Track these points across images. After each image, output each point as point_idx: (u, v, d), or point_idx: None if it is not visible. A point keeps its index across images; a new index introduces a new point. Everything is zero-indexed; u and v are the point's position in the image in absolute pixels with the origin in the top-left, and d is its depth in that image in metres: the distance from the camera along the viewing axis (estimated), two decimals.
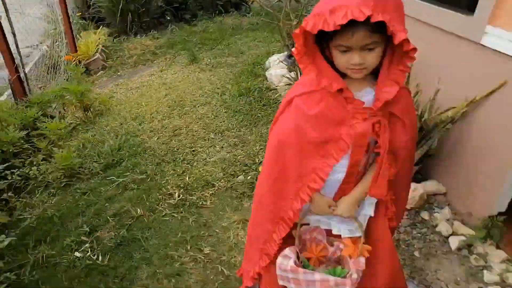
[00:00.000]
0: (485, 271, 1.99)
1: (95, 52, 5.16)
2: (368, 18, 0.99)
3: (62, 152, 2.72)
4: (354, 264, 1.40)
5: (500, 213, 2.12)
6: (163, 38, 5.67)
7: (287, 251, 1.43)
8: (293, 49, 1.28)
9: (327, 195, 1.38)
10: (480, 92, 2.05)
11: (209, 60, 4.65)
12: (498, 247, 2.09)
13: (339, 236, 1.46)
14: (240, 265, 1.85)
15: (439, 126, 2.23)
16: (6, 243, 1.89)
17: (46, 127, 2.92)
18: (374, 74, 1.20)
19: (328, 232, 1.51)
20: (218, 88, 3.85)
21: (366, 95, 1.21)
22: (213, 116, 3.37)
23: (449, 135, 2.32)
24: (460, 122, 2.23)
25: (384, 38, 1.11)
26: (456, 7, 2.17)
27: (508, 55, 1.87)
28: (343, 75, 1.19)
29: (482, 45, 1.99)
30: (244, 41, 5.22)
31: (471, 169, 2.22)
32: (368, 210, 1.42)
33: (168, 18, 6.36)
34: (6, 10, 3.41)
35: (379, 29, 1.06)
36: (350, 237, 1.45)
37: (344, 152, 1.24)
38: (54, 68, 4.49)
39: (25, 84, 3.55)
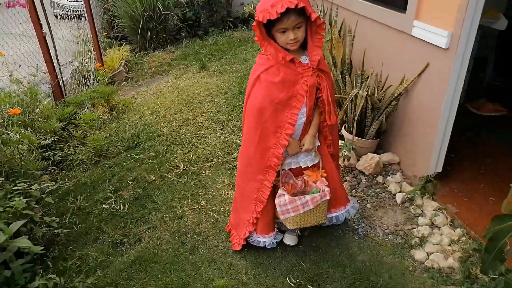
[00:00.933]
0: (420, 217, 2.51)
1: (119, 66, 5.93)
2: (295, 5, 1.64)
3: (93, 136, 3.40)
4: (320, 183, 2.04)
5: (438, 174, 2.66)
6: (178, 52, 6.41)
7: (280, 191, 2.05)
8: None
9: (295, 137, 2.01)
10: (413, 73, 2.62)
11: (216, 67, 5.34)
12: (433, 200, 2.61)
13: (306, 168, 2.11)
14: (228, 218, 2.46)
15: (385, 104, 2.79)
16: (55, 186, 2.56)
17: (80, 118, 3.61)
18: (301, 46, 1.85)
19: (296, 170, 2.12)
20: (222, 89, 4.51)
21: (304, 60, 1.86)
22: (216, 111, 4.01)
23: (396, 113, 2.88)
24: (402, 99, 2.80)
25: (304, 19, 1.74)
26: (394, 6, 2.78)
27: (429, 42, 2.44)
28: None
29: (412, 35, 2.58)
30: (249, 51, 5.90)
31: (413, 140, 2.77)
32: (317, 142, 2.06)
33: (183, 34, 7.11)
34: (50, 30, 4.20)
35: (301, 13, 1.71)
36: (310, 167, 2.07)
37: (301, 102, 1.89)
38: (84, 80, 5.25)
39: (62, 88, 4.30)
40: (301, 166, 2.13)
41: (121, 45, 6.62)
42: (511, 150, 3.04)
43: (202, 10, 7.37)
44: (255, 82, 1.91)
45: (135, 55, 6.55)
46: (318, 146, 2.11)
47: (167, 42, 6.91)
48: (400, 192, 2.73)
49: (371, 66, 3.05)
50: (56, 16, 6.48)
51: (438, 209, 2.53)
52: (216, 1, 7.48)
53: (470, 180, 2.75)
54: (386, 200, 2.70)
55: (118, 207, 2.70)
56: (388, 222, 2.52)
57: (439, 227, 2.41)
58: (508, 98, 3.89)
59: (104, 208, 2.70)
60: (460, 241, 2.27)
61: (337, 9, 3.62)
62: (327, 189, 2.05)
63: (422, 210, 2.56)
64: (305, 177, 2.17)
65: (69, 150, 3.39)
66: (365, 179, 2.88)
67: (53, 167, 3.19)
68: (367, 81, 2.90)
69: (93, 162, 3.29)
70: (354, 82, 3.04)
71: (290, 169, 2.16)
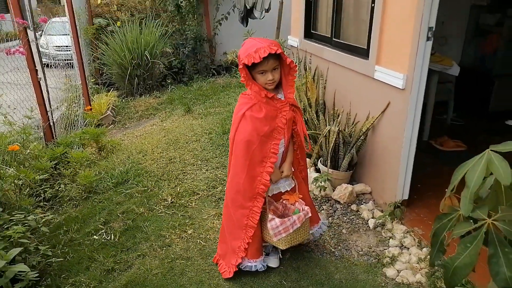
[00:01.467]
0: (390, 239, 2.75)
1: (107, 110, 6.19)
2: (275, 51, 1.96)
3: (84, 173, 3.57)
4: (299, 204, 2.31)
5: (405, 201, 2.94)
6: (164, 96, 6.75)
7: (270, 216, 2.27)
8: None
9: (276, 165, 2.27)
10: (378, 111, 2.97)
11: (201, 110, 5.66)
12: (402, 224, 2.86)
13: (284, 193, 2.38)
14: (215, 245, 2.65)
15: (354, 138, 3.11)
16: (50, 217, 2.71)
17: (71, 156, 3.79)
18: (276, 86, 2.17)
19: (274, 196, 2.38)
20: (206, 130, 4.79)
21: (280, 97, 2.16)
22: (201, 149, 4.27)
23: (365, 147, 3.20)
24: (370, 134, 3.13)
25: (279, 63, 2.06)
26: (359, 54, 3.18)
27: (389, 84, 2.81)
28: None
29: (374, 78, 2.95)
30: (232, 95, 6.28)
31: (381, 171, 3.06)
32: (292, 168, 2.36)
33: (169, 81, 7.48)
34: (44, 76, 4.47)
35: (278, 58, 2.03)
36: (287, 192, 2.35)
37: (281, 134, 2.19)
38: (71, 124, 5.44)
39: (53, 130, 4.50)
40: (281, 192, 2.38)
41: (108, 91, 6.92)
42: None
43: (187, 59, 7.83)
44: (241, 119, 2.18)
45: (122, 100, 6.84)
46: (293, 171, 2.38)
47: (154, 88, 7.26)
48: (372, 218, 2.98)
49: (342, 106, 3.41)
50: (44, 65, 6.76)
51: (407, 232, 2.77)
52: (200, 50, 7.98)
53: (434, 206, 3.03)
54: (360, 225, 2.94)
55: (109, 237, 2.84)
56: (362, 244, 2.73)
57: (408, 248, 2.65)
58: (468, 135, 4.30)
59: (95, 239, 2.84)
60: (426, 259, 2.50)
61: (310, 57, 4.05)
62: (307, 207, 2.32)
63: (392, 233, 2.80)
64: (284, 201, 2.41)
65: (59, 187, 3.54)
66: (341, 207, 3.13)
67: (44, 203, 3.32)
68: (338, 118, 3.24)
69: (83, 198, 3.44)
70: (327, 120, 3.38)
71: (270, 196, 2.40)
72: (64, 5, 6.39)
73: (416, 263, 2.49)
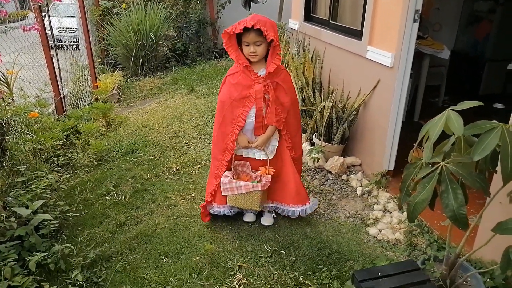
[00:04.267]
0: (375, 205, 3.02)
1: (112, 89, 6.42)
2: (252, 26, 2.19)
3: (95, 142, 3.84)
4: (264, 178, 2.54)
5: (391, 171, 3.21)
6: (167, 77, 6.98)
7: (226, 173, 2.58)
8: None
9: (247, 133, 2.53)
10: (369, 88, 3.21)
11: (204, 90, 5.90)
12: (387, 191, 3.14)
13: (259, 160, 2.59)
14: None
15: (346, 113, 3.37)
16: (68, 176, 2.97)
17: (82, 128, 4.05)
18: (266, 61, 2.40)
19: (254, 164, 2.62)
20: (209, 108, 5.04)
21: (261, 72, 2.40)
22: (204, 125, 4.52)
23: (357, 122, 3.45)
24: (361, 110, 3.38)
25: (265, 40, 2.29)
26: (353, 35, 3.42)
27: (379, 63, 3.05)
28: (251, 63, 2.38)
29: (366, 58, 3.19)
30: None
31: (370, 144, 3.32)
32: (274, 142, 2.58)
33: (172, 63, 7.69)
34: (57, 54, 4.70)
35: (262, 34, 2.25)
36: (264, 161, 2.57)
37: (252, 103, 2.43)
38: (78, 102, 5.67)
39: (64, 104, 4.76)
40: (260, 160, 2.61)
41: (114, 71, 7.14)
42: None
43: (190, 42, 8.03)
44: (223, 82, 2.54)
45: (127, 80, 7.06)
46: (276, 147, 2.59)
47: (158, 69, 7.48)
48: (360, 186, 3.25)
49: (336, 84, 3.66)
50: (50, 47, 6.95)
51: (390, 198, 3.05)
52: (204, 33, 8.18)
53: None
54: (348, 193, 3.21)
55: (120, 198, 3.12)
56: (349, 208, 3.01)
57: (390, 212, 2.92)
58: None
59: (107, 199, 3.12)
60: (406, 221, 2.78)
61: (309, 39, 4.27)
62: (263, 183, 2.50)
63: (377, 200, 3.08)
64: (258, 172, 2.64)
65: (72, 155, 3.81)
66: (332, 177, 3.40)
67: (58, 168, 3.60)
68: (332, 95, 3.49)
69: (94, 165, 3.70)
70: (323, 98, 3.62)
71: (247, 159, 2.64)
72: None
73: (396, 224, 2.77)
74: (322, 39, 4.00)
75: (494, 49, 4.88)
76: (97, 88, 6.18)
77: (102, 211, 2.95)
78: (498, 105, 4.82)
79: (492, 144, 1.40)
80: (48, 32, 4.67)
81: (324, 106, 3.40)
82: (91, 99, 5.80)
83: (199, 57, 7.95)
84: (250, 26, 2.20)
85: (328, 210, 2.99)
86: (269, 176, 2.55)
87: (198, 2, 7.99)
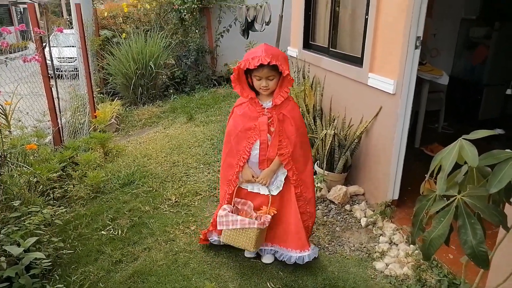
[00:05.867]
0: (381, 237, 2.92)
1: (111, 118, 6.39)
2: (268, 62, 2.13)
3: (92, 173, 3.75)
4: (264, 217, 2.43)
5: (396, 201, 3.12)
6: (166, 106, 6.96)
7: (225, 206, 2.48)
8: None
9: (253, 166, 2.45)
10: (370, 115, 3.16)
11: (203, 118, 5.87)
12: (392, 222, 3.03)
13: (263, 196, 2.50)
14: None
15: (348, 141, 3.30)
16: (64, 210, 2.88)
17: (80, 158, 3.98)
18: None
19: (256, 196, 2.52)
20: (208, 136, 4.99)
21: (268, 104, 2.34)
22: (203, 154, 4.45)
23: (359, 150, 3.39)
24: (363, 138, 3.32)
25: (278, 73, 2.24)
26: (354, 62, 3.40)
27: (381, 90, 3.01)
28: (258, 94, 2.33)
29: (368, 85, 3.16)
30: (232, 105, 6.43)
31: (374, 172, 3.24)
32: (281, 177, 2.47)
33: (171, 91, 7.70)
34: (56, 84, 4.69)
35: (275, 68, 2.20)
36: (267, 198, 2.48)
37: (257, 135, 2.35)
38: (76, 132, 5.61)
39: (62, 135, 4.70)
40: (263, 195, 2.50)
41: (113, 100, 7.14)
42: None
43: (189, 70, 8.07)
44: (231, 113, 2.50)
45: (126, 109, 7.04)
46: (283, 184, 2.47)
47: (156, 97, 7.48)
48: (364, 217, 3.15)
49: (338, 111, 3.61)
50: (50, 77, 6.94)
51: (396, 229, 2.94)
52: (202, 61, 8.24)
53: None
54: (352, 224, 3.11)
55: (116, 232, 3.01)
56: (354, 241, 2.90)
57: (397, 244, 2.81)
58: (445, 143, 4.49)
59: (103, 234, 3.00)
60: (413, 254, 2.66)
61: (309, 66, 4.27)
62: (260, 221, 2.37)
63: (382, 231, 2.97)
64: (258, 212, 2.51)
65: (68, 187, 3.71)
66: (335, 207, 3.30)
67: (53, 201, 3.49)
68: (334, 122, 3.44)
69: (91, 197, 3.61)
70: (324, 125, 3.57)
71: (251, 194, 2.52)
72: (66, 18, 6.65)
73: (404, 258, 2.66)
74: (322, 66, 3.99)
75: (492, 74, 4.88)
76: (96, 117, 6.16)
77: (97, 248, 2.84)
78: (498, 130, 4.76)
79: (508, 175, 1.32)
80: (48, 61, 4.67)
81: (326, 134, 3.34)
82: (89, 129, 5.75)
83: (198, 85, 7.97)
84: (266, 63, 2.13)
85: (333, 243, 2.87)
86: (269, 216, 2.41)
87: (197, 31, 8.10)
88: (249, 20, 7.64)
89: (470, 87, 5.09)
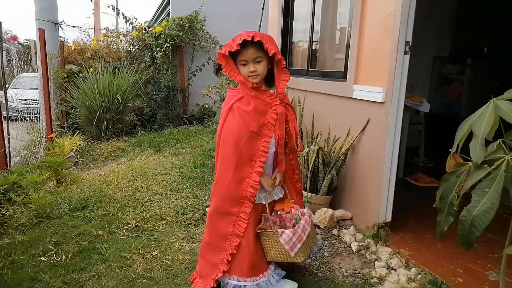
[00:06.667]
0: (376, 261, 2.53)
1: (70, 151, 5.85)
2: (254, 41, 1.84)
3: (38, 195, 3.20)
4: (295, 210, 2.12)
5: (388, 223, 2.78)
6: (132, 140, 6.51)
7: (279, 231, 1.98)
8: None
9: (268, 167, 2.05)
10: (357, 130, 2.91)
11: (171, 151, 5.45)
12: (386, 246, 2.67)
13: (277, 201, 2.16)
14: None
15: (334, 158, 3.01)
16: None
17: (25, 179, 3.43)
18: (268, 84, 2.02)
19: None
20: (177, 165, 4.56)
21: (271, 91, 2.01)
22: (171, 181, 4.00)
23: (345, 169, 3.09)
24: (350, 155, 3.03)
25: (265, 56, 1.92)
26: (336, 78, 3.21)
27: (368, 100, 2.79)
28: None
29: (353, 98, 2.94)
30: (204, 139, 6.14)
31: (363, 192, 2.93)
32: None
33: (139, 128, 7.27)
34: (6, 101, 4.23)
35: (261, 49, 1.89)
36: (277, 202, 2.17)
37: (272, 131, 1.97)
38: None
39: (8, 158, 4.14)
40: (274, 199, 2.15)
41: (73, 135, 6.62)
42: None
43: (159, 108, 7.74)
44: (229, 112, 1.97)
45: (87, 143, 6.52)
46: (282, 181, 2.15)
47: (122, 133, 7.03)
48: (355, 241, 2.77)
49: (321, 130, 3.35)
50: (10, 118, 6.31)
51: (392, 253, 2.57)
52: (173, 99, 7.97)
53: (417, 231, 2.88)
54: (342, 249, 2.71)
55: (59, 258, 2.45)
56: (346, 267, 2.49)
57: (395, 269, 2.43)
58: (440, 174, 4.30)
59: (42, 260, 2.44)
60: (416, 279, 2.29)
61: (287, 90, 4.05)
62: (306, 209, 2.09)
63: (377, 255, 2.59)
64: (279, 212, 2.15)
65: (7, 212, 3.13)
66: (321, 231, 2.91)
67: None
68: (317, 139, 3.15)
69: (34, 223, 3.04)
70: (306, 144, 3.28)
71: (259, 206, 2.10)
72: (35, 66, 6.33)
73: (406, 283, 2.27)
74: (301, 88, 3.79)
75: (468, 108, 4.87)
76: (52, 149, 5.62)
77: (32, 275, 2.27)
78: None
79: None
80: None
81: (309, 150, 3.04)
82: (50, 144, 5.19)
83: (168, 123, 7.61)
84: (250, 39, 1.83)
85: (322, 269, 2.45)
86: (296, 206, 2.16)
87: (169, 69, 7.92)
88: None
89: (447, 122, 5.04)
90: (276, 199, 2.15)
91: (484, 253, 2.56)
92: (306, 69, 3.86)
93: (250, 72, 1.92)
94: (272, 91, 2.02)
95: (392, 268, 2.44)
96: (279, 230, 1.98)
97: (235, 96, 1.99)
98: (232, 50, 1.87)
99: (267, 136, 1.96)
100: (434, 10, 4.93)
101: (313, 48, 3.75)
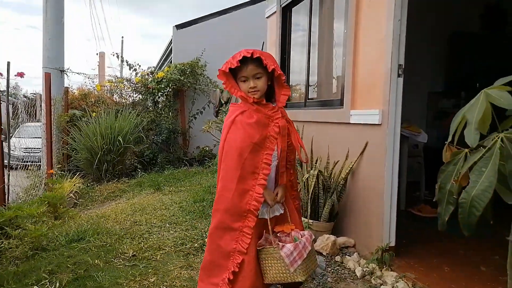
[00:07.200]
0: (382, 286, 2.44)
1: (69, 193, 5.83)
2: (253, 57, 1.90)
3: (34, 227, 3.14)
4: (295, 233, 2.06)
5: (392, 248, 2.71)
6: (132, 181, 6.49)
7: (280, 245, 1.93)
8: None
9: (271, 182, 2.02)
10: (356, 154, 2.92)
11: (171, 189, 5.42)
12: (392, 270, 2.58)
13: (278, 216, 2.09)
14: None
15: (334, 183, 2.99)
16: None
17: (22, 212, 3.38)
18: (269, 100, 2.05)
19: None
20: (176, 201, 4.51)
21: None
22: (170, 215, 3.94)
23: (346, 194, 3.06)
24: (350, 182, 3.02)
25: (265, 72, 1.96)
26: (333, 106, 3.28)
27: (365, 124, 2.84)
28: None
29: (350, 123, 2.99)
30: (205, 178, 6.12)
31: (365, 217, 2.88)
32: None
33: (139, 170, 7.26)
34: (9, 153, 4.29)
35: (261, 66, 1.94)
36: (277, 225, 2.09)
37: (274, 144, 1.97)
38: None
39: (6, 195, 4.11)
40: (275, 216, 2.08)
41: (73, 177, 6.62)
42: (455, 238, 3.18)
43: (160, 151, 7.79)
44: (231, 125, 1.98)
45: (87, 185, 6.50)
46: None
47: (123, 174, 7.02)
48: (359, 266, 2.68)
49: (320, 157, 3.36)
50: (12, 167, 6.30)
51: (398, 277, 2.48)
52: (174, 142, 8.05)
53: (423, 256, 2.80)
54: (346, 275, 2.62)
55: (53, 286, 2.36)
56: None
57: None
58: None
59: None
60: None
61: None
62: (306, 231, 2.03)
63: (382, 280, 2.50)
64: (278, 234, 2.09)
65: (2, 244, 3.06)
66: (323, 259, 2.82)
67: None
68: (316, 164, 3.16)
69: (29, 255, 2.95)
70: (305, 171, 3.28)
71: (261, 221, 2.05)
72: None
73: None
74: (299, 120, 3.85)
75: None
76: (52, 185, 5.60)
77: None
78: None
79: None
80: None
81: (309, 176, 3.03)
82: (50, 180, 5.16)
83: (168, 165, 7.62)
84: (249, 55, 1.88)
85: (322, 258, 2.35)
86: (297, 229, 2.08)
87: (170, 112, 8.08)
88: (223, 102, 7.76)
89: None
90: (278, 215, 2.11)
91: (494, 276, 2.48)
92: (304, 101, 3.95)
93: (250, 88, 1.95)
94: (273, 105, 2.06)
95: None
96: (280, 244, 1.93)
97: (237, 110, 2.00)
98: (232, 67, 1.93)
99: (269, 148, 1.96)
100: (426, 47, 5.15)
101: (310, 80, 3.86)
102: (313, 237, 2.03)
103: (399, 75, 2.66)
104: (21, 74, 3.94)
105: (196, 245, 3.09)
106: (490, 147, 1.09)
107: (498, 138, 1.09)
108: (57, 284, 2.38)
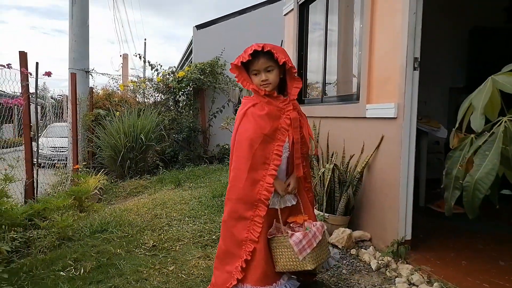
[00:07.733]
0: (397, 278, 2.44)
1: (94, 189, 6.03)
2: (264, 51, 1.96)
3: (61, 218, 3.30)
4: (308, 223, 2.10)
5: (408, 241, 2.71)
6: (154, 178, 6.65)
7: (289, 233, 2.00)
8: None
9: (280, 174, 2.07)
10: (371, 148, 2.93)
11: (191, 185, 5.54)
12: (407, 263, 2.58)
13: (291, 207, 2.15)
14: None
15: (349, 177, 3.01)
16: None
17: (50, 204, 3.54)
18: (280, 93, 2.11)
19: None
20: (195, 197, 4.61)
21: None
22: (189, 209, 4.04)
23: (362, 188, 3.07)
24: (366, 176, 3.03)
25: (276, 65, 2.02)
26: (349, 100, 3.29)
27: (381, 118, 2.84)
28: None
29: (366, 117, 3.00)
30: (224, 175, 6.21)
31: (380, 211, 2.89)
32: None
33: (160, 168, 7.42)
34: (37, 131, 4.48)
35: (272, 59, 2.00)
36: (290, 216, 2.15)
37: (285, 136, 2.03)
38: None
39: (35, 189, 4.31)
40: (287, 206, 2.14)
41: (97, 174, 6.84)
42: (473, 233, 3.14)
43: (181, 149, 7.95)
44: (243, 117, 2.05)
45: (111, 182, 6.70)
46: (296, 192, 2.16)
47: (145, 171, 7.20)
48: (374, 259, 2.69)
49: (336, 152, 3.38)
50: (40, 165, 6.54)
51: (414, 270, 2.48)
52: (194, 140, 8.19)
53: (440, 250, 2.78)
54: (361, 267, 2.64)
55: (78, 273, 2.49)
56: (365, 283, 2.41)
57: (417, 285, 2.33)
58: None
59: (61, 274, 2.48)
60: None
61: None
62: (318, 222, 2.08)
63: (397, 272, 2.50)
64: (291, 224, 2.14)
65: (31, 235, 3.22)
66: (339, 252, 2.84)
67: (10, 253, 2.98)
68: (332, 158, 3.18)
69: (55, 245, 3.10)
70: (322, 165, 3.31)
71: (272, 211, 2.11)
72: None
73: None
74: (316, 115, 3.88)
75: None
76: (77, 180, 5.81)
77: (52, 287, 2.30)
78: (506, 191, 4.49)
79: None
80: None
81: (324, 170, 3.06)
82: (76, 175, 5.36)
83: (189, 163, 7.77)
84: (260, 49, 1.94)
85: (340, 285, 2.38)
86: (309, 220, 2.13)
87: (190, 111, 8.23)
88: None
89: None
90: (289, 206, 2.15)
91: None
92: (321, 97, 3.97)
93: (262, 81, 2.02)
94: (285, 97, 2.11)
95: (414, 284, 2.35)
96: (290, 232, 1.98)
97: (249, 102, 2.07)
98: (244, 61, 2.00)
99: (280, 140, 2.02)
100: (447, 42, 5.07)
101: (327, 75, 3.88)
102: (325, 227, 2.07)
103: (415, 68, 2.66)
104: (48, 73, 4.09)
105: (214, 237, 3.16)
106: (494, 131, 1.11)
107: (502, 121, 1.10)
108: (82, 270, 2.50)
